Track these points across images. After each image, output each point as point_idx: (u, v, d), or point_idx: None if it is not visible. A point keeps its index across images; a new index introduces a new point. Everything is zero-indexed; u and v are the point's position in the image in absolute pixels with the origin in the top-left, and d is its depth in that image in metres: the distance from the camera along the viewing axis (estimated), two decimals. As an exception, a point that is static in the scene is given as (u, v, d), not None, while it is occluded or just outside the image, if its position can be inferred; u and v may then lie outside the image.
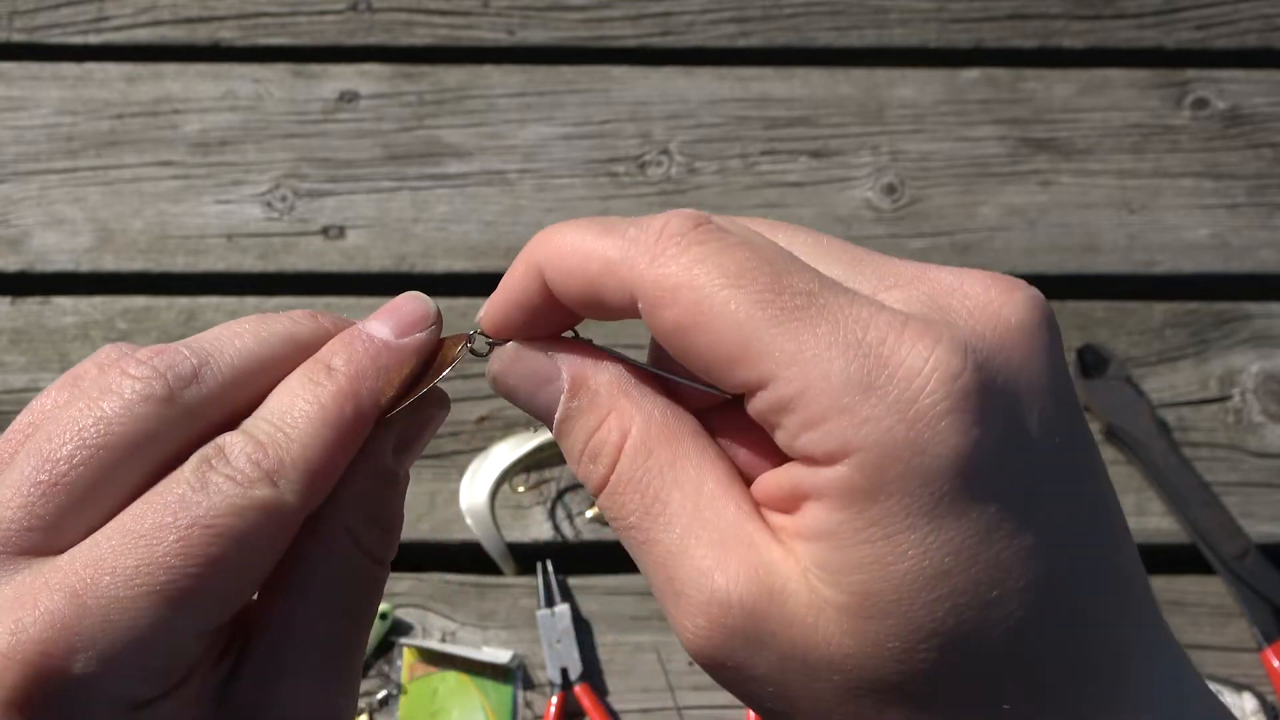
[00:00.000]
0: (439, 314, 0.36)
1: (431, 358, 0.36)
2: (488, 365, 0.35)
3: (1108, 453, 0.91)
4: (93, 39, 1.08)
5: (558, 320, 0.34)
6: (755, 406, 0.29)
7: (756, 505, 0.30)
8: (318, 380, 0.34)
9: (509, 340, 0.34)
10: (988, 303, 0.29)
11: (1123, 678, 0.28)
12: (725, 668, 0.30)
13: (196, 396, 0.32)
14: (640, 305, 0.30)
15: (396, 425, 0.35)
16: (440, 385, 0.36)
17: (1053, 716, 0.28)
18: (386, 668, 0.83)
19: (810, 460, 0.28)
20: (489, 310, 0.35)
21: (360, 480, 0.35)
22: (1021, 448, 0.28)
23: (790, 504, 0.29)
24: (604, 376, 0.33)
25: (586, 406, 0.32)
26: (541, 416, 0.33)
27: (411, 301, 0.36)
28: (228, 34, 1.08)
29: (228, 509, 0.31)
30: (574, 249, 0.32)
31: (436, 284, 0.97)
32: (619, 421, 0.32)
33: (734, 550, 0.29)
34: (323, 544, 0.34)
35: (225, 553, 0.31)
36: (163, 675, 0.31)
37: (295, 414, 0.33)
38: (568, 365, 0.33)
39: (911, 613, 0.27)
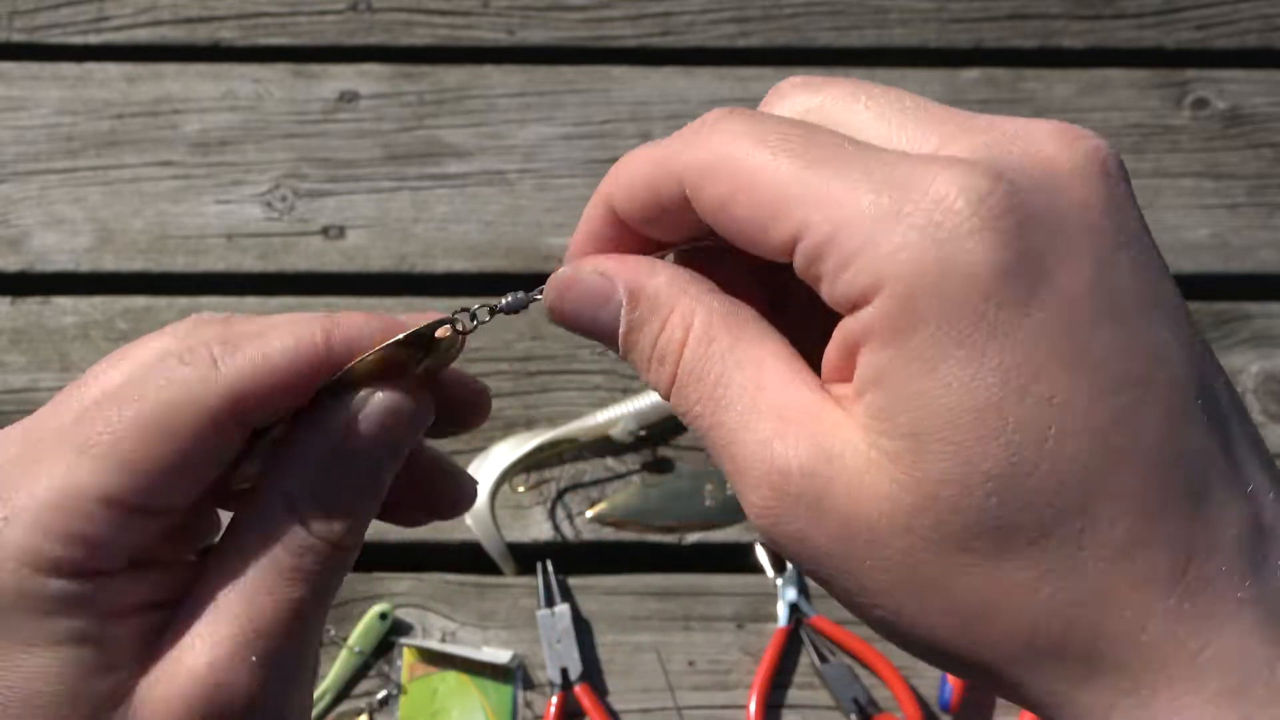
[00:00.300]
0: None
1: (424, 347, 0.35)
2: (543, 297, 0.34)
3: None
4: (93, 39, 1.08)
5: (637, 248, 0.34)
6: (798, 264, 0.29)
7: (820, 382, 0.30)
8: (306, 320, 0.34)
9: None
10: (1043, 146, 0.29)
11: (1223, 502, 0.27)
12: (792, 540, 0.29)
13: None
14: (688, 194, 0.31)
15: (353, 402, 0.34)
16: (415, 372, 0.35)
17: (1159, 550, 0.27)
18: (386, 668, 0.83)
19: (852, 305, 0.28)
20: (569, 252, 0.35)
21: (306, 450, 0.34)
22: (1069, 277, 0.27)
23: (847, 366, 0.29)
24: (660, 279, 0.32)
25: (648, 313, 0.32)
26: (605, 338, 0.33)
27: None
28: (228, 34, 1.08)
29: (163, 380, 0.32)
30: (628, 162, 0.33)
31: (436, 284, 0.97)
32: (681, 319, 0.31)
33: (794, 420, 0.29)
34: (255, 507, 0.34)
35: (147, 420, 0.32)
36: (73, 542, 0.31)
37: (270, 323, 0.34)
38: (623, 278, 0.33)
39: (964, 453, 0.26)
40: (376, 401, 0.34)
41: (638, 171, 0.33)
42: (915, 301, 0.27)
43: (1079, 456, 0.26)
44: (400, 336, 0.35)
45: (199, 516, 0.37)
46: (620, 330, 0.32)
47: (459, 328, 0.35)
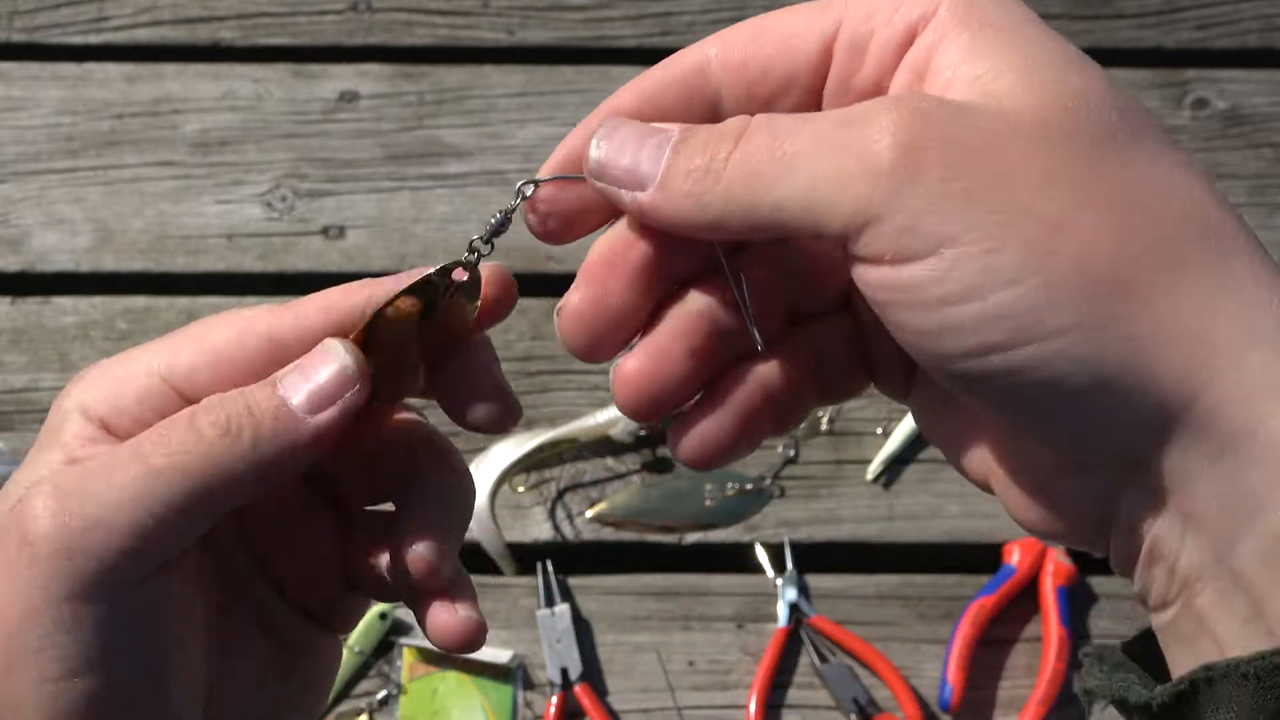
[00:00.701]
0: (361, 368, 0.35)
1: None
2: (591, 150, 0.33)
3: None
4: (93, 39, 1.08)
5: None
6: (849, 34, 0.32)
7: None
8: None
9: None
10: None
11: None
12: (943, 143, 0.28)
13: None
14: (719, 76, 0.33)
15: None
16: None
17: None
18: (386, 668, 0.83)
19: (911, 32, 0.31)
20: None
21: None
22: None
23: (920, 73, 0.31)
24: (717, 123, 0.32)
25: (699, 130, 0.31)
26: (644, 165, 0.31)
27: (326, 360, 0.35)
28: (228, 34, 1.08)
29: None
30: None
31: (436, 284, 0.97)
32: (741, 121, 0.31)
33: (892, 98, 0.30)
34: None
35: (199, 326, 0.36)
36: (114, 398, 0.35)
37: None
38: (669, 128, 0.32)
39: (1072, 70, 0.30)
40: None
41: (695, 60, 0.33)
42: (975, 2, 0.30)
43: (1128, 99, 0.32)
44: (410, 284, 0.36)
45: None
46: (670, 146, 0.31)
47: (469, 261, 0.37)
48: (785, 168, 0.29)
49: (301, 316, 0.36)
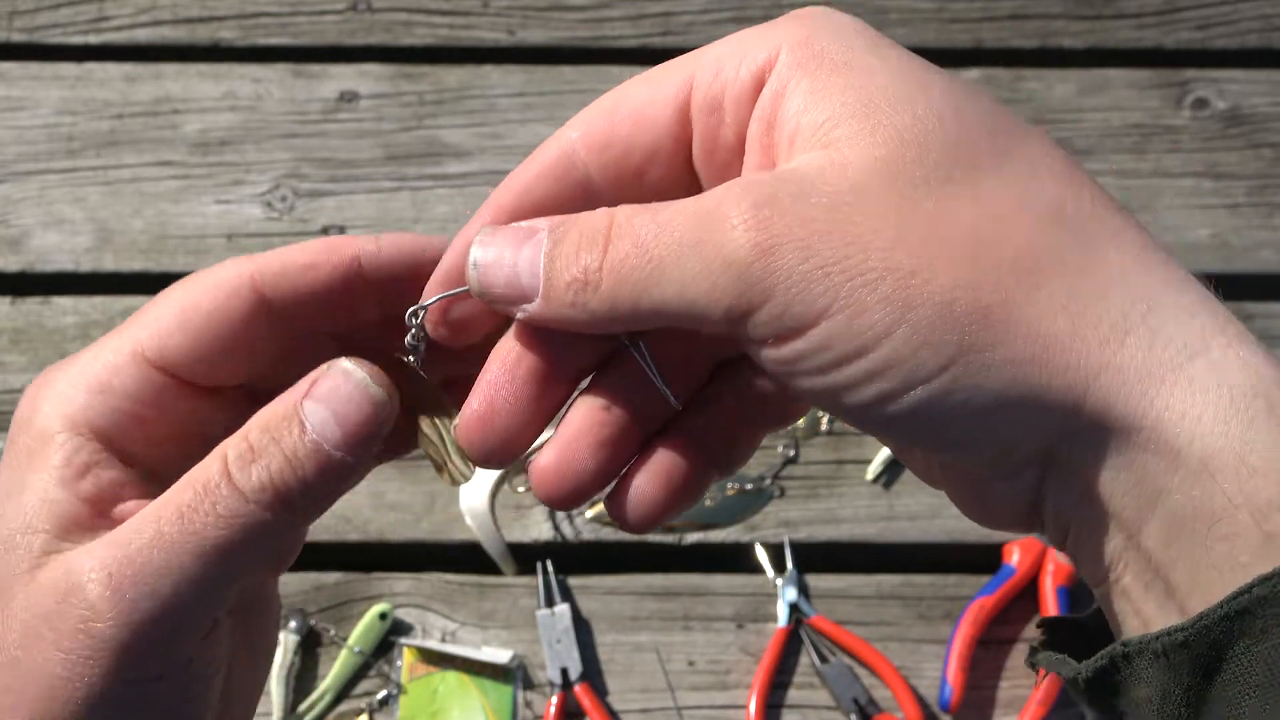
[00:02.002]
0: (389, 403, 0.34)
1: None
2: (469, 270, 0.33)
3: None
4: (93, 39, 1.08)
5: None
6: (706, 86, 0.33)
7: None
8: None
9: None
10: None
11: None
12: (793, 239, 0.29)
13: None
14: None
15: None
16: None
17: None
18: (386, 668, 0.83)
19: (758, 77, 0.32)
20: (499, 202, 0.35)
21: (270, 409, 0.35)
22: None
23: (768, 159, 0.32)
24: (581, 214, 0.32)
25: (570, 226, 0.32)
26: (524, 279, 0.32)
27: (355, 394, 0.34)
28: (228, 34, 1.08)
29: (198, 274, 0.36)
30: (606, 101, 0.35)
31: (436, 284, 0.97)
32: (604, 211, 0.32)
33: (742, 181, 0.31)
34: (212, 453, 0.34)
35: (178, 293, 0.35)
36: (99, 390, 0.34)
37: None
38: (539, 228, 0.32)
39: (908, 101, 0.30)
40: (335, 367, 0.34)
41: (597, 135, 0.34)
42: (814, 43, 0.32)
43: (992, 108, 0.31)
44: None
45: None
46: (544, 250, 0.32)
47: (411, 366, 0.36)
48: (655, 273, 0.30)
49: (286, 273, 0.35)
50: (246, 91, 1.05)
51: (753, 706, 0.82)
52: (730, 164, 0.33)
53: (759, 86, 0.32)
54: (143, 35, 1.08)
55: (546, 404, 0.34)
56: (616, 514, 0.35)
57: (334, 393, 0.33)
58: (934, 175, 0.29)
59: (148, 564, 0.32)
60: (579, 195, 0.34)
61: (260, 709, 0.83)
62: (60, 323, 0.95)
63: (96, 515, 0.34)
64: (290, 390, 0.34)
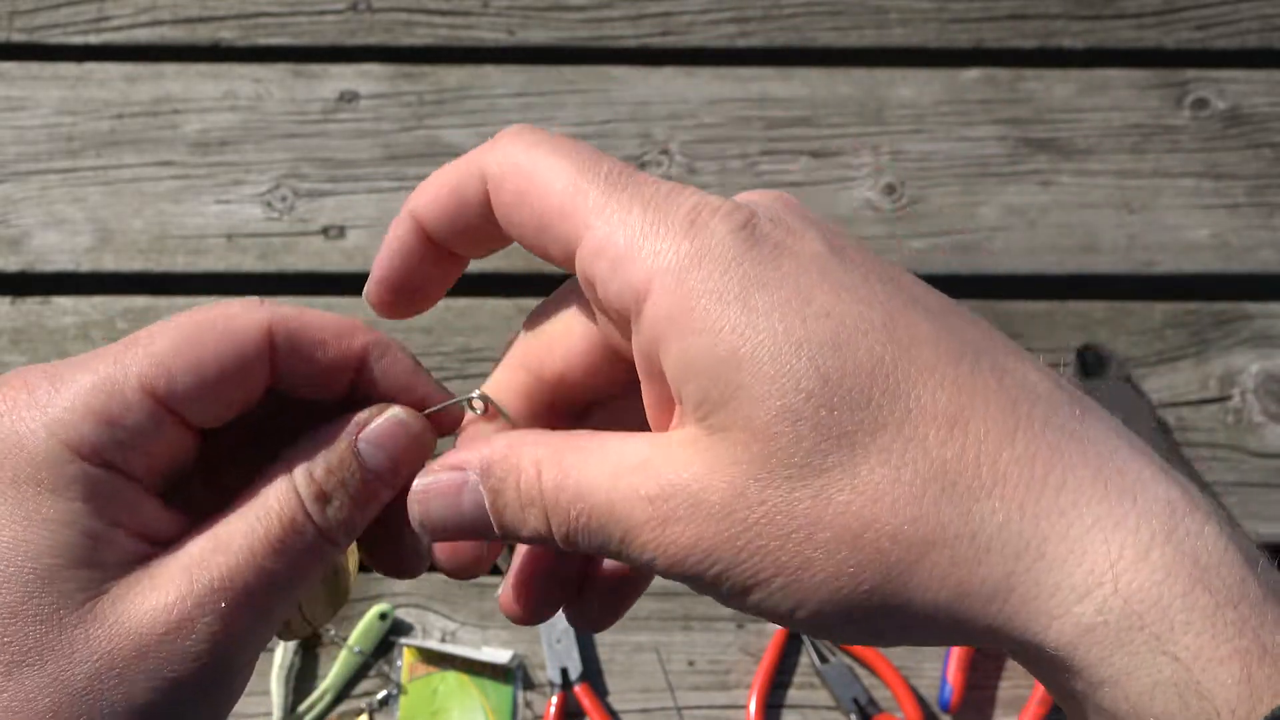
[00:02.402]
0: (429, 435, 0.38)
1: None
2: (413, 522, 0.36)
3: (1108, 453, 0.91)
4: (93, 39, 1.08)
5: (439, 272, 0.38)
6: (579, 264, 0.33)
7: (653, 432, 0.34)
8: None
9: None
10: (750, 195, 0.35)
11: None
12: (693, 553, 0.31)
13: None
14: (490, 191, 0.34)
15: (371, 410, 0.38)
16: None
17: (986, 405, 0.30)
18: (386, 668, 0.83)
19: (626, 305, 0.32)
20: (373, 276, 0.38)
21: (325, 440, 0.36)
22: (805, 244, 0.32)
23: (666, 407, 0.34)
24: (499, 443, 0.35)
25: (502, 474, 0.34)
26: (479, 526, 0.35)
27: (401, 430, 0.37)
28: (228, 34, 1.08)
29: (209, 309, 0.36)
30: (434, 175, 0.36)
31: (436, 284, 0.97)
32: (533, 462, 0.34)
33: (645, 461, 0.32)
34: (264, 478, 0.36)
35: (189, 327, 0.35)
36: (105, 423, 0.33)
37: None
38: (469, 459, 0.35)
39: (777, 387, 0.30)
40: (392, 415, 0.37)
41: (444, 177, 0.36)
42: (685, 284, 0.31)
43: (874, 349, 0.30)
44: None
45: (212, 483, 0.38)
46: (487, 503, 0.34)
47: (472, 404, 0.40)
48: (592, 499, 0.32)
49: (297, 344, 0.36)
50: (246, 91, 1.05)
51: (753, 706, 0.82)
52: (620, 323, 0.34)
53: (636, 311, 0.32)
54: (143, 35, 1.08)
55: (567, 571, 0.39)
56: (577, 624, 0.39)
57: (390, 436, 0.36)
58: (809, 462, 0.30)
59: (254, 596, 0.34)
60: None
61: (260, 709, 0.83)
62: (60, 323, 0.95)
63: (137, 543, 0.34)
64: (344, 433, 0.36)
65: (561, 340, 0.37)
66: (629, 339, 0.33)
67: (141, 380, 0.34)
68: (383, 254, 0.38)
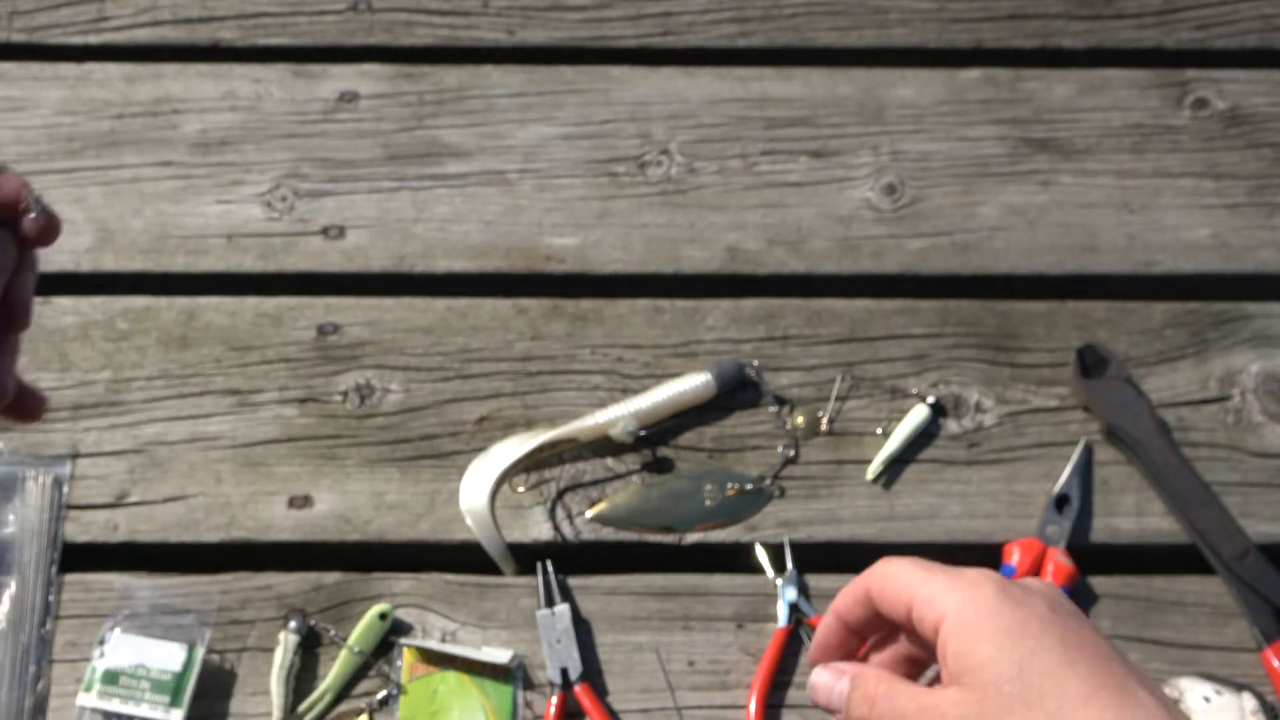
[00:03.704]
0: None
1: None
2: (812, 680, 0.57)
3: (1108, 453, 0.91)
4: (93, 39, 1.08)
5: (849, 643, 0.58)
6: (918, 625, 0.53)
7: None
8: None
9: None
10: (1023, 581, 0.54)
11: None
12: None
13: None
14: (874, 599, 0.56)
15: None
16: None
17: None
18: (386, 668, 0.83)
19: (931, 623, 0.52)
20: (812, 655, 0.59)
21: None
22: (1042, 625, 0.50)
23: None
24: (858, 669, 0.55)
25: (859, 681, 0.55)
26: (837, 703, 0.55)
27: None
28: (228, 34, 1.08)
29: None
30: (847, 593, 0.57)
31: (436, 284, 0.98)
32: (876, 679, 0.54)
33: (926, 702, 0.52)
34: None
35: None
36: None
37: None
38: (846, 672, 0.55)
39: (995, 686, 0.49)
40: None
41: (854, 595, 0.56)
42: (964, 612, 0.51)
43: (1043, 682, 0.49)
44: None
45: None
46: (846, 693, 0.54)
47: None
48: (899, 709, 0.53)
49: None
50: (246, 91, 1.05)
51: (753, 706, 0.82)
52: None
53: (939, 624, 0.52)
54: (143, 35, 1.08)
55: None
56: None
57: None
58: (1007, 709, 0.49)
59: None
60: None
61: (260, 709, 0.83)
62: (60, 323, 0.95)
63: None
64: None
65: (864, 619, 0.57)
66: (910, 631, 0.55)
67: None
68: (819, 639, 0.59)
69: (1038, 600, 0.51)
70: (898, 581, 0.54)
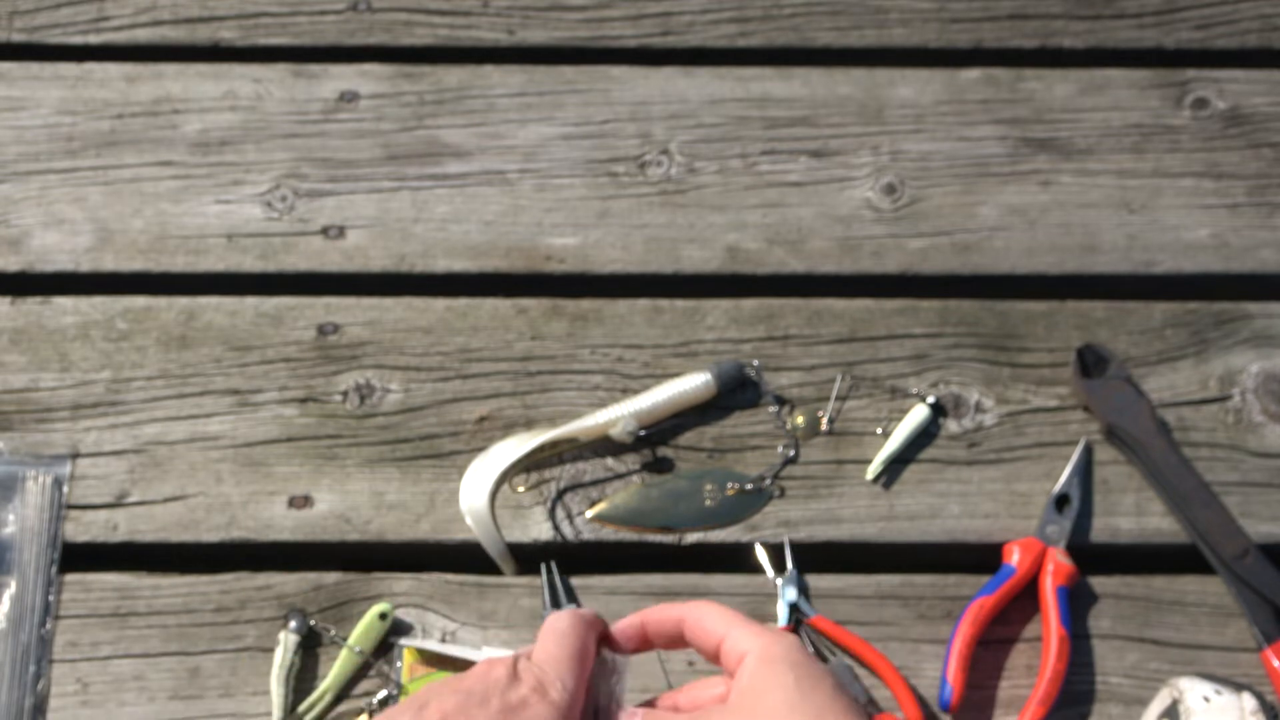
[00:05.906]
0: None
1: None
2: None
3: (1108, 453, 0.91)
4: (93, 39, 1.08)
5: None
6: (723, 657, 0.63)
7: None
8: None
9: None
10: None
11: None
12: None
13: None
14: (684, 630, 0.66)
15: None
16: None
17: None
18: (386, 668, 0.83)
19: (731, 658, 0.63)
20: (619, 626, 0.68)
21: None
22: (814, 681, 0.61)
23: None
24: (646, 713, 0.66)
25: None
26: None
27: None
28: (228, 34, 1.08)
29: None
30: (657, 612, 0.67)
31: (436, 284, 0.98)
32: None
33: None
34: None
35: None
36: None
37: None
38: (637, 714, 0.66)
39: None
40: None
41: (669, 620, 0.66)
42: (769, 658, 0.61)
43: None
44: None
45: None
46: None
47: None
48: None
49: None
50: (246, 91, 1.05)
51: (753, 706, 0.82)
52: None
53: (732, 667, 0.62)
54: (143, 35, 1.08)
55: None
56: None
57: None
58: None
59: None
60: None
61: (260, 709, 0.83)
62: (60, 323, 0.95)
63: None
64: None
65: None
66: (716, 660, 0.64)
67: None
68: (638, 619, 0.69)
69: (832, 677, 0.60)
70: (712, 620, 0.63)
